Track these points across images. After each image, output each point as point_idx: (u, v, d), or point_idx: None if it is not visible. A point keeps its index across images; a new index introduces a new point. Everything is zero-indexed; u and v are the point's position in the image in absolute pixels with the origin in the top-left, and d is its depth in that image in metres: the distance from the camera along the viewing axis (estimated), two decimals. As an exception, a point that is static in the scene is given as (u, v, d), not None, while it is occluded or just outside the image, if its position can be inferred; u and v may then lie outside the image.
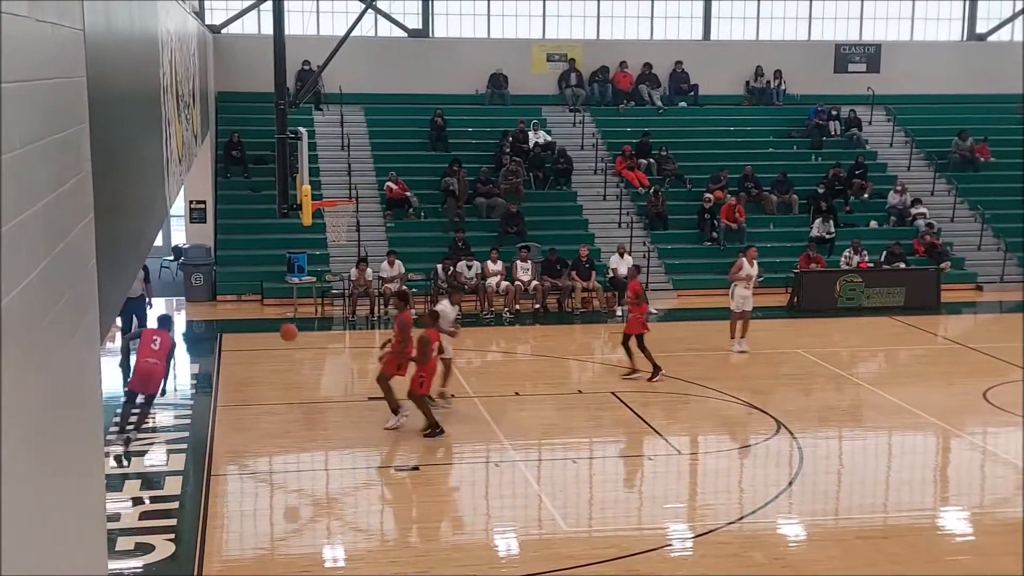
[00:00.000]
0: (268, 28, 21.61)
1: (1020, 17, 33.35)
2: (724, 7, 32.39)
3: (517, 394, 17.10)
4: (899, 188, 28.06)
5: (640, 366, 17.60)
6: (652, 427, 15.27)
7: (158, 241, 26.05)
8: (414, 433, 14.90)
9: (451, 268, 23.10)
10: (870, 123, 31.36)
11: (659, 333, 20.64)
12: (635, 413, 15.86)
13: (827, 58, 32.34)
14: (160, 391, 14.66)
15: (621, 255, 23.97)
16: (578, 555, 10.97)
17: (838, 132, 30.82)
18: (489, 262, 23.48)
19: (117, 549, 10.77)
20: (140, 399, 14.60)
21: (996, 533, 11.81)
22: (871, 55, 32.49)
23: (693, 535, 11.72)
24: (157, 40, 12.69)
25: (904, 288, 24.11)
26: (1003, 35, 33.45)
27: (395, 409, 14.88)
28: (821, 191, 27.40)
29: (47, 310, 4.86)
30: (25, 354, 4.42)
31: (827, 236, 26.28)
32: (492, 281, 23.23)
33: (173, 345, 14.92)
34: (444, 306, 16.42)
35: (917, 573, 10.71)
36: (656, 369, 17.49)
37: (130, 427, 14.29)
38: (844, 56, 32.47)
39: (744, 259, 20.38)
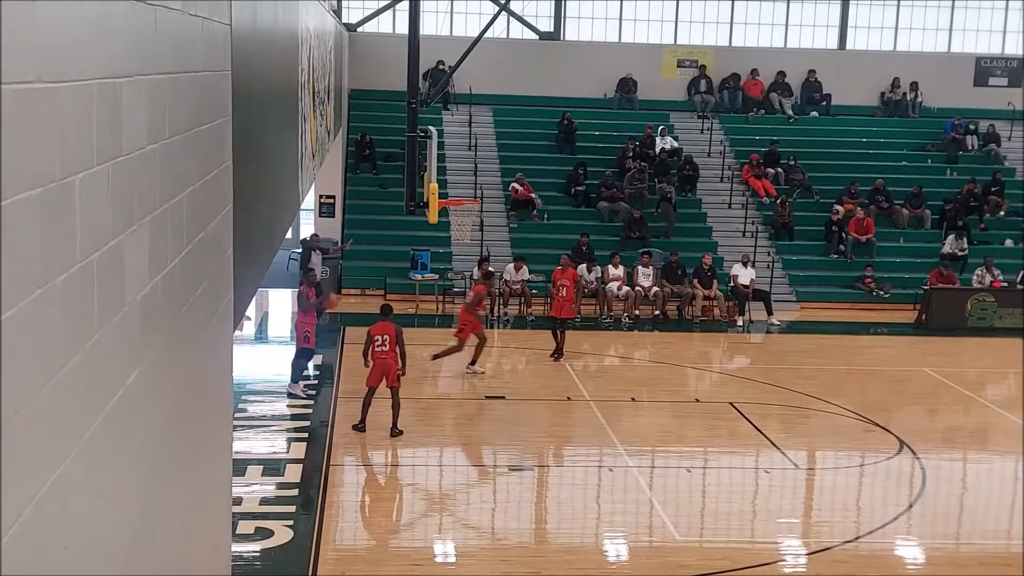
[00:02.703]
0: (402, 28, 21.98)
1: None
2: (861, 16, 31.76)
3: (633, 400, 17.04)
4: (1038, 207, 27.17)
5: None
6: (770, 439, 15.07)
7: (288, 233, 26.64)
8: (529, 433, 14.97)
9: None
10: (1009, 139, 30.41)
11: (781, 345, 20.38)
12: (753, 425, 15.67)
13: (967, 71, 31.48)
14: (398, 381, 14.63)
15: (744, 264, 23.71)
16: (689, 564, 10.90)
17: (975, 147, 29.96)
18: (610, 266, 23.43)
19: (238, 532, 11.02)
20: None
21: None
22: (1013, 69, 31.52)
23: (807, 552, 11.55)
24: (297, 37, 12.99)
25: (1040, 311, 23.33)
26: None
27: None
28: (948, 207, 26.68)
29: (188, 296, 5.04)
30: (167, 338, 4.58)
31: (960, 253, 25.58)
32: (612, 285, 23.19)
33: (398, 334, 14.66)
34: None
35: (1041, 604, 10.39)
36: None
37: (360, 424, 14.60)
38: (984, 69, 31.57)
39: None
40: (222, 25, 6.05)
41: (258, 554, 10.87)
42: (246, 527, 11.30)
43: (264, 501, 12.26)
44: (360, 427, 14.60)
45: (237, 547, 10.55)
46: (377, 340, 14.48)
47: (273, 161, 10.12)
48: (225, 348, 6.28)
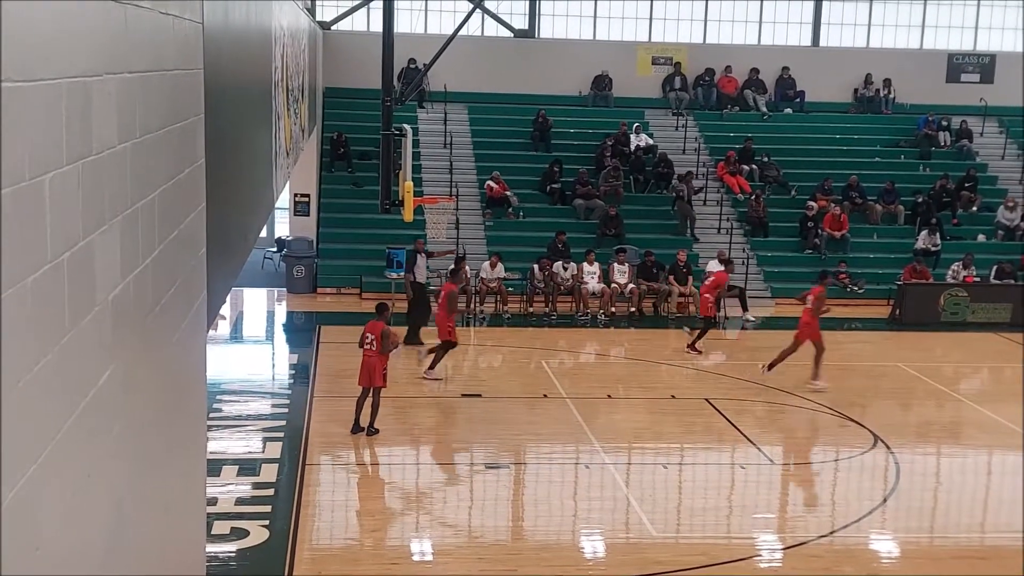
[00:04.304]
0: (377, 25, 21.93)
1: None
2: (834, 13, 31.92)
3: (610, 397, 17.08)
4: (1011, 204, 27.37)
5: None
6: (745, 435, 15.13)
7: (262, 232, 26.57)
8: (505, 431, 14.99)
9: (548, 268, 23.15)
10: (982, 135, 30.64)
11: (756, 341, 20.47)
12: (728, 421, 15.73)
13: (939, 67, 31.68)
14: (386, 381, 14.50)
15: (720, 261, 23.76)
16: (665, 561, 10.93)
17: (948, 143, 30.17)
18: (585, 263, 23.47)
19: (213, 533, 10.98)
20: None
21: (1099, 560, 11.47)
22: (985, 65, 31.75)
23: (783, 547, 11.60)
24: (271, 35, 12.95)
25: (1011, 304, 23.51)
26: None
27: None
28: (920, 201, 26.86)
29: (160, 295, 5.01)
30: (139, 338, 4.56)
31: (933, 249, 25.76)
32: (588, 283, 23.23)
33: (383, 335, 14.39)
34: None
35: (1014, 597, 10.47)
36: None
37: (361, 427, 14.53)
38: (957, 66, 31.78)
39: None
40: (194, 23, 6.02)
41: (233, 554, 10.84)
42: (221, 527, 11.26)
43: (239, 501, 12.22)
44: (356, 429, 14.52)
45: (212, 547, 10.51)
46: (367, 339, 14.46)
47: (247, 159, 10.08)
48: (199, 348, 6.26)
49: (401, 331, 18.34)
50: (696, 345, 19.92)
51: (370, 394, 14.43)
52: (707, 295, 20.01)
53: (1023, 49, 32.22)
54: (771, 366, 17.72)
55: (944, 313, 23.38)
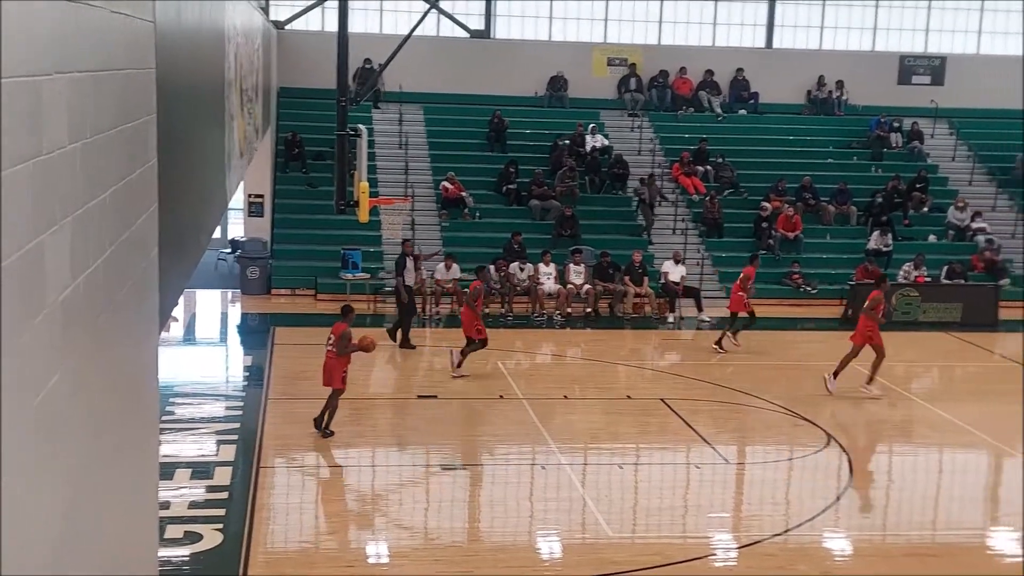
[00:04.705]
0: (332, 25, 21.78)
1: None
2: (787, 15, 32.17)
3: (566, 397, 17.11)
4: (960, 204, 27.71)
5: None
6: (700, 435, 15.21)
7: (216, 233, 26.35)
8: (461, 432, 14.97)
9: (504, 269, 23.15)
10: (932, 136, 31.00)
11: (711, 341, 20.57)
12: (684, 420, 15.80)
13: (891, 69, 32.01)
14: (344, 384, 14.43)
15: (675, 261, 23.91)
16: (621, 561, 10.96)
17: (899, 145, 30.49)
18: (541, 264, 23.50)
19: (166, 537, 10.90)
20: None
21: (1048, 556, 11.64)
22: (936, 67, 32.13)
23: (738, 545, 11.67)
24: (224, 35, 12.85)
25: (961, 304, 23.81)
26: (1071, 51, 32.90)
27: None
28: (882, 201, 27.14)
29: (112, 297, 4.96)
30: (90, 340, 4.51)
31: (884, 249, 26.02)
32: (544, 284, 23.25)
33: (341, 336, 14.42)
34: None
35: (965, 593, 10.60)
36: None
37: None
38: (908, 68, 32.13)
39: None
40: (145, 23, 5.96)
41: (187, 558, 10.75)
42: (174, 531, 11.17)
43: (193, 505, 12.12)
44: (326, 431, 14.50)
45: (165, 551, 10.43)
46: (329, 340, 14.41)
47: (199, 160, 10.00)
48: (151, 350, 6.19)
49: (376, 332, 18.32)
50: (735, 339, 20.36)
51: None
52: (740, 293, 20.34)
53: (974, 51, 32.68)
54: (835, 374, 17.68)
55: (896, 313, 23.60)
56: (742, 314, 20.39)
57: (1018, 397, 17.96)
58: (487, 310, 22.77)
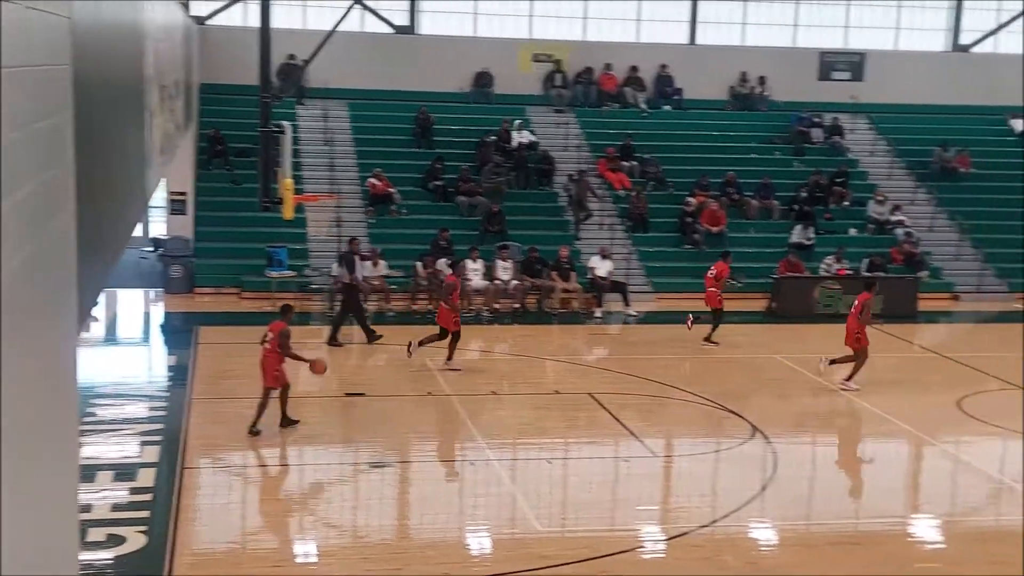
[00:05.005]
0: (254, 20, 21.57)
1: (1003, 29, 33.54)
2: (710, 11, 32.47)
3: (494, 393, 17.11)
4: (880, 198, 28.20)
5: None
6: (628, 429, 15.30)
7: (137, 231, 25.96)
8: (390, 429, 14.92)
9: (431, 266, 23.09)
10: (852, 131, 31.50)
11: (638, 335, 20.71)
12: (611, 415, 15.89)
13: (811, 65, 32.45)
14: (277, 382, 14.39)
15: (602, 257, 24.04)
16: (551, 555, 10.99)
17: (820, 140, 30.94)
18: (469, 261, 23.47)
19: (88, 540, 10.72)
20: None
21: (966, 541, 11.90)
22: (855, 63, 32.63)
23: (666, 537, 11.76)
24: (143, 30, 12.65)
25: (882, 296, 24.17)
26: (986, 46, 33.63)
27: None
28: (804, 196, 27.53)
29: (28, 296, 4.86)
30: (6, 341, 4.41)
31: (807, 243, 26.40)
32: (472, 280, 23.24)
33: (280, 333, 14.41)
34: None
35: (887, 580, 10.79)
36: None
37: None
38: (828, 64, 32.59)
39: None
40: (62, 18, 5.85)
41: (110, 562, 10.58)
42: (97, 534, 10.99)
43: (116, 507, 11.94)
44: (285, 423, 14.55)
45: (87, 555, 10.26)
46: (266, 337, 14.44)
47: (119, 157, 9.83)
48: (69, 350, 6.08)
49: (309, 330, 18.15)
50: (712, 338, 20.43)
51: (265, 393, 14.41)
52: (712, 288, 20.60)
53: (893, 47, 33.27)
54: (849, 378, 17.79)
55: (818, 305, 23.98)
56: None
57: (937, 386, 18.34)
58: (415, 307, 22.74)
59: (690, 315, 20.69)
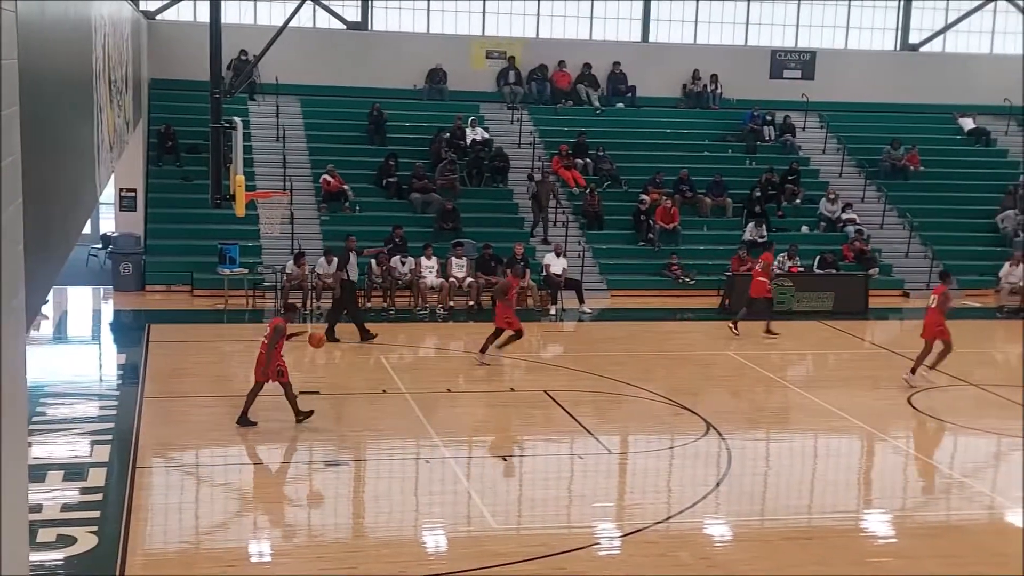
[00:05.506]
0: (204, 15, 21.36)
1: (951, 29, 33.95)
2: (663, 10, 32.60)
3: (449, 391, 17.06)
4: (831, 196, 28.44)
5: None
6: (583, 426, 15.31)
7: (86, 229, 25.65)
8: (344, 428, 14.83)
9: (385, 263, 23.00)
10: (804, 129, 31.75)
11: (592, 333, 20.75)
12: (567, 412, 15.89)
13: (763, 64, 32.68)
14: (266, 376, 14.58)
15: (557, 254, 24.06)
16: (507, 553, 10.96)
17: (772, 138, 31.16)
18: (423, 258, 23.41)
19: (38, 541, 10.56)
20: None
21: (918, 536, 12.01)
22: (806, 62, 32.90)
23: (621, 534, 11.78)
24: (90, 24, 12.48)
25: (833, 293, 24.44)
26: (935, 46, 34.05)
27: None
28: (758, 194, 27.71)
29: (-28, 295, 4.76)
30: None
31: (759, 240, 26.57)
32: (427, 277, 23.17)
33: (275, 329, 14.66)
34: None
35: (840, 574, 10.86)
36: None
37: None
38: (779, 62, 32.83)
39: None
40: (6, 12, 5.74)
41: (61, 562, 10.43)
42: (47, 535, 10.83)
43: (66, 507, 11.76)
44: (244, 421, 14.62)
45: (37, 556, 10.11)
46: (266, 332, 14.68)
47: (67, 152, 9.69)
48: (17, 348, 5.97)
49: (258, 328, 18.00)
50: (771, 327, 21.43)
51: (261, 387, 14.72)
52: (761, 279, 21.40)
53: (843, 46, 33.56)
54: (913, 371, 17.96)
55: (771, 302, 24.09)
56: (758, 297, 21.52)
57: (887, 382, 18.52)
58: (369, 304, 22.62)
59: (730, 324, 21.43)
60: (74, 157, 10.44)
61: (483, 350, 18.43)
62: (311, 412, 14.79)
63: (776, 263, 25.15)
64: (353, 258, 20.55)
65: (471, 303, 23.30)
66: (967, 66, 33.60)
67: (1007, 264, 25.73)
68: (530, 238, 25.85)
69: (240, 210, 16.78)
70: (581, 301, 23.46)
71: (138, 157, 25.63)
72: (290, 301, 15.76)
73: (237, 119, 17.17)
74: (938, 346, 17.96)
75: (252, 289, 22.99)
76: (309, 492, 13.02)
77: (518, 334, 18.58)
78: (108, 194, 23.94)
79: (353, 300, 20.48)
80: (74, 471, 12.86)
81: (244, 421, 14.55)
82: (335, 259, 22.60)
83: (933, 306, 18.02)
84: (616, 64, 31.59)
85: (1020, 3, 33.62)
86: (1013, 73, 32.77)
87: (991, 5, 33.72)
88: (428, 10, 31.27)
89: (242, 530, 11.69)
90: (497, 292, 18.46)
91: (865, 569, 11.06)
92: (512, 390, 17.21)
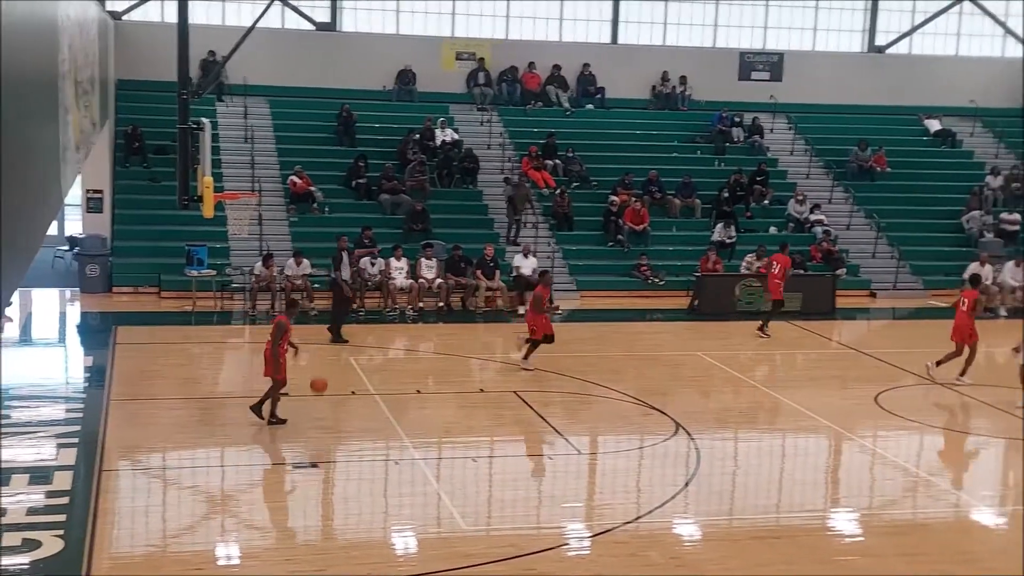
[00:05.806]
0: (172, 16, 21.27)
1: (917, 31, 34.21)
2: (632, 11, 32.68)
3: (419, 392, 17.04)
4: (799, 197, 28.61)
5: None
6: (552, 427, 15.33)
7: (52, 230, 25.48)
8: (313, 430, 14.79)
9: (355, 264, 22.93)
10: (772, 131, 31.92)
11: (562, 333, 20.75)
12: (536, 412, 15.91)
13: (731, 65, 32.81)
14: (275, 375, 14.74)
15: (526, 255, 24.08)
16: (476, 554, 10.96)
17: (741, 139, 31.31)
18: (393, 259, 23.37)
19: (3, 545, 10.48)
20: None
21: (885, 535, 12.09)
22: (774, 64, 33.07)
23: (591, 534, 11.79)
24: (56, 25, 12.39)
25: (801, 293, 24.55)
26: (901, 48, 34.29)
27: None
28: (726, 195, 27.83)
29: (-67, 297, 4.71)
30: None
31: (728, 241, 26.69)
32: (396, 278, 23.14)
33: (277, 326, 14.85)
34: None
35: (808, 573, 10.91)
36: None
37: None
38: (748, 64, 32.98)
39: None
40: (-31, 8, 5.69)
41: (26, 566, 10.34)
42: (12, 539, 10.74)
43: (31, 511, 11.67)
44: (273, 420, 14.79)
45: (2, 560, 10.01)
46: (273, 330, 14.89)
47: (32, 154, 9.61)
48: (-19, 352, 5.92)
49: (231, 330, 17.92)
50: (766, 329, 21.63)
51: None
52: (778, 281, 21.58)
53: (811, 48, 33.75)
54: (940, 365, 18.15)
55: (740, 303, 24.26)
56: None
57: (855, 382, 18.64)
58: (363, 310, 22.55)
59: (757, 331, 21.76)
60: (39, 158, 10.37)
61: (525, 357, 18.40)
62: (284, 421, 14.72)
63: (744, 264, 25.30)
64: (346, 258, 20.52)
65: (441, 304, 23.28)
66: (933, 68, 33.88)
67: (973, 264, 25.90)
68: (505, 242, 25.80)
69: (208, 211, 16.71)
70: (551, 302, 23.45)
71: (105, 158, 25.46)
72: (292, 297, 15.79)
73: (205, 120, 17.11)
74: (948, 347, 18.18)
75: (220, 291, 22.89)
76: (277, 494, 12.97)
77: (547, 338, 18.46)
78: (75, 195, 23.77)
79: (342, 300, 20.37)
80: (40, 474, 12.76)
81: (274, 420, 14.75)
82: (304, 261, 22.55)
83: (964, 309, 18.15)
84: (586, 65, 31.65)
85: (985, 6, 33.91)
86: (979, 75, 33.15)
87: (957, 7, 34.00)
88: (397, 11, 31.22)
89: (209, 533, 11.63)
90: (535, 305, 18.39)
91: (832, 567, 11.12)
92: (482, 391, 17.21)
